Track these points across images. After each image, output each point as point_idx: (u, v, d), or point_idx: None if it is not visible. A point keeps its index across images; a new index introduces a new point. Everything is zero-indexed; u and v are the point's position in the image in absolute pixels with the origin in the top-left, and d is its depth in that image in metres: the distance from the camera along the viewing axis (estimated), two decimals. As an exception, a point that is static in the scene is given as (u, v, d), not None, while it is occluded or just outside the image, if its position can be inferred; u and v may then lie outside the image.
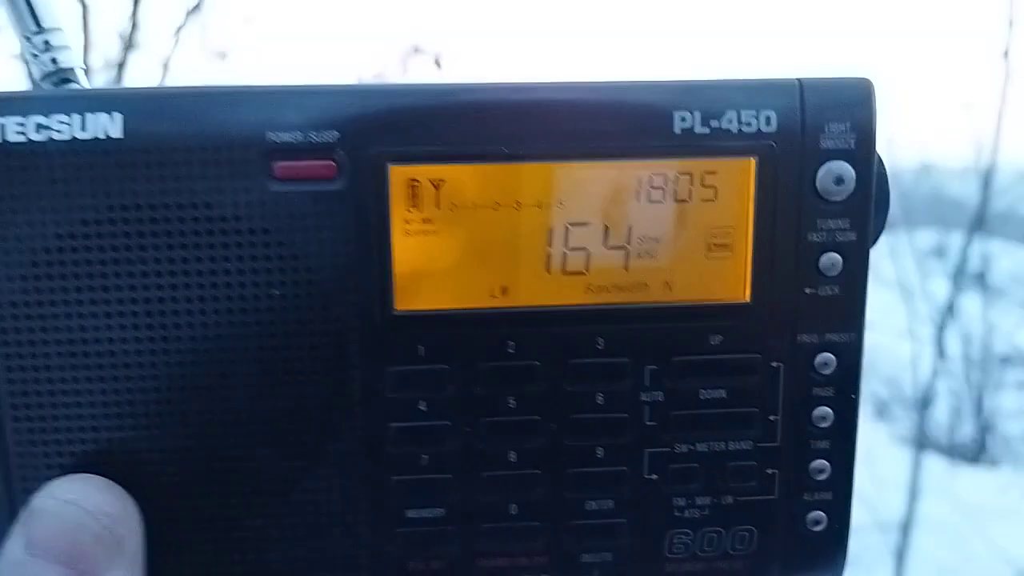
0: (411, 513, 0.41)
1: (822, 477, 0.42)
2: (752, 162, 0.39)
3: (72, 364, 0.38)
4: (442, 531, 0.41)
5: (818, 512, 0.42)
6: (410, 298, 0.39)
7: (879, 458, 2.52)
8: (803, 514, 0.42)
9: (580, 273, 0.40)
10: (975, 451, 3.30)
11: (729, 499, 0.42)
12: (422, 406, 0.40)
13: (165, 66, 2.03)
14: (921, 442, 2.57)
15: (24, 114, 0.37)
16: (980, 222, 2.96)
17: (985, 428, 3.38)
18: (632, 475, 0.41)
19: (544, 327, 0.40)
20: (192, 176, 0.37)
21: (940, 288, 3.05)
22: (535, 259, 0.40)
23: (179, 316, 0.38)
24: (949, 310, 2.99)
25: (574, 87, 0.39)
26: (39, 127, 0.37)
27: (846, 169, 0.39)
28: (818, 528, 0.42)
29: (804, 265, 0.40)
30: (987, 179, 2.82)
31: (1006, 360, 3.56)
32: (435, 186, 0.39)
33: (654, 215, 0.40)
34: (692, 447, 0.41)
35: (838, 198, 0.40)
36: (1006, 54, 2.61)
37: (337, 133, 0.38)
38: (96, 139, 0.37)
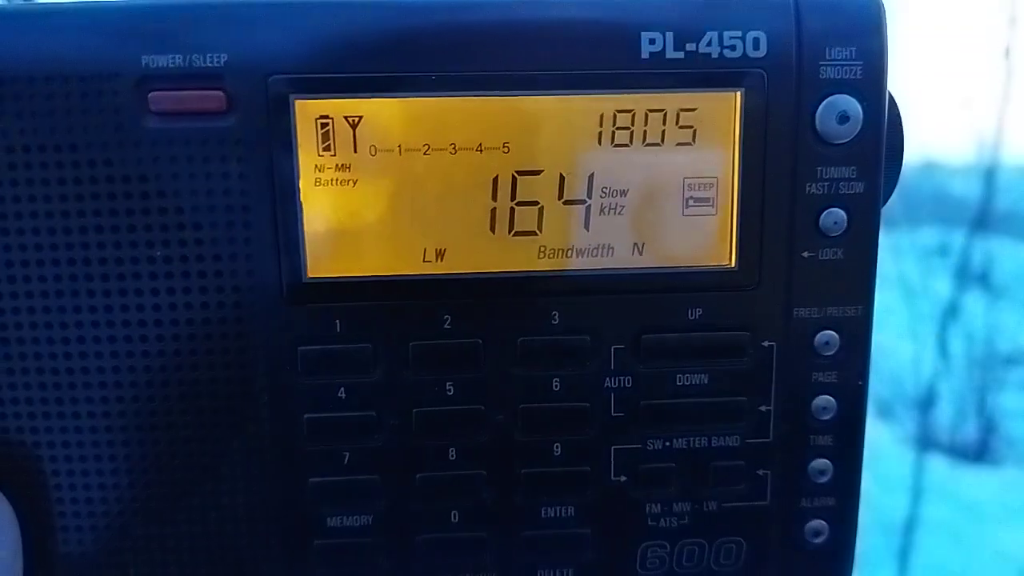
0: (331, 521, 0.38)
1: (823, 480, 0.39)
2: (737, 95, 0.36)
3: None
4: (369, 543, 0.38)
5: (818, 521, 0.40)
6: (324, 263, 0.36)
7: (881, 458, 2.64)
8: (800, 523, 0.40)
9: (531, 233, 0.37)
10: (978, 451, 3.50)
11: (712, 505, 0.40)
12: (341, 393, 0.37)
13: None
14: (924, 442, 2.69)
15: None
16: (983, 220, 3.12)
17: (988, 428, 3.58)
18: (596, 476, 0.39)
19: (487, 298, 0.37)
20: (50, 112, 0.34)
21: (943, 287, 3.20)
22: (476, 215, 0.36)
23: (38, 283, 0.35)
24: (952, 309, 3.15)
25: (521, 2, 0.36)
26: None
27: (852, 104, 0.36)
28: (818, 540, 0.40)
29: (801, 223, 0.37)
30: (990, 177, 2.99)
31: (1009, 360, 3.76)
32: (351, 124, 0.35)
33: (619, 162, 0.36)
34: (667, 443, 0.39)
35: (842, 140, 0.36)
36: (1007, 52, 2.77)
37: (226, 55, 0.34)
38: None
